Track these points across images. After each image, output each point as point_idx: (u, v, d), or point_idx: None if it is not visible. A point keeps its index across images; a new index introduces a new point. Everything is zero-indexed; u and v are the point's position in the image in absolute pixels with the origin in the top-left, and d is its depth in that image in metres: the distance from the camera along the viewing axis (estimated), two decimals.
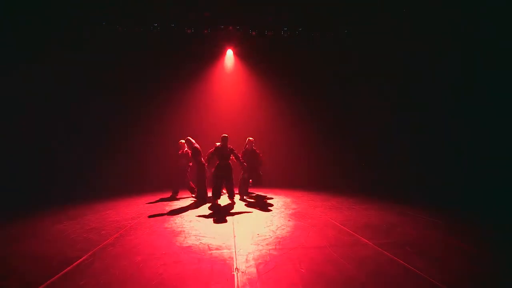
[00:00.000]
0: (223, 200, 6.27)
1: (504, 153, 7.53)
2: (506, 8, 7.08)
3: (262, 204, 5.80)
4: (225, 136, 5.84)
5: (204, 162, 6.02)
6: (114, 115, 8.96)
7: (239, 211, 5.18)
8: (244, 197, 6.41)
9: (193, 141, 6.27)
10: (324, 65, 9.81)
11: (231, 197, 6.03)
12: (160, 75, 9.50)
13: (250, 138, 6.51)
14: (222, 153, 5.76)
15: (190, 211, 5.22)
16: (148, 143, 9.10)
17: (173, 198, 6.63)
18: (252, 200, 6.22)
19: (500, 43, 7.63)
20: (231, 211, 5.15)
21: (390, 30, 8.65)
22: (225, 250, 3.03)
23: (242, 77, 10.05)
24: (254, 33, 9.33)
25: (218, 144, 5.84)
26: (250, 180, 6.44)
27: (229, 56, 9.97)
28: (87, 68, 8.67)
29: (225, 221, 4.40)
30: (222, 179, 5.84)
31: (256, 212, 5.09)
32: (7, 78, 7.71)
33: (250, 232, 3.73)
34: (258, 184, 6.55)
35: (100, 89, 8.88)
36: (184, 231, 3.81)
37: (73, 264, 2.67)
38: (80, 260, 2.79)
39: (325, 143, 9.62)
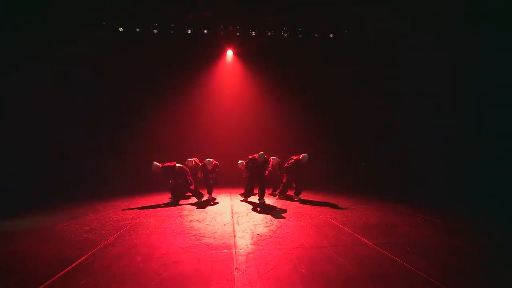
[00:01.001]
0: (222, 200, 6.28)
1: (504, 152, 7.50)
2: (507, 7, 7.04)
3: (263, 204, 5.81)
4: (266, 157, 6.02)
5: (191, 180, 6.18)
6: (114, 115, 8.96)
7: (240, 211, 5.18)
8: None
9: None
10: (324, 65, 9.81)
11: (262, 197, 6.06)
12: (160, 75, 9.51)
13: (305, 154, 6.31)
14: (259, 166, 5.98)
15: (190, 211, 5.22)
16: (149, 143, 9.09)
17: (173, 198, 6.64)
18: (254, 200, 6.23)
19: (500, 43, 7.61)
20: (231, 211, 5.15)
21: (390, 28, 8.64)
22: (225, 250, 3.03)
23: (242, 77, 10.05)
24: (254, 33, 9.33)
25: (253, 156, 5.98)
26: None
27: (229, 56, 9.97)
28: (88, 68, 8.66)
29: (225, 221, 4.41)
30: (255, 183, 6.13)
31: (256, 212, 5.09)
32: (7, 78, 7.70)
33: (250, 232, 3.73)
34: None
35: (101, 90, 8.88)
36: (184, 231, 3.81)
37: (73, 264, 2.67)
38: (80, 260, 2.78)
39: (325, 143, 9.62)
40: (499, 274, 2.48)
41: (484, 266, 2.62)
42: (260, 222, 4.28)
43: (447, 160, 8.36)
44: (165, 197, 6.83)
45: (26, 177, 7.62)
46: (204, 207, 5.59)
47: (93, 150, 8.55)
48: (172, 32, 8.72)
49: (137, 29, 8.76)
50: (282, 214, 4.87)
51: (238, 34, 9.08)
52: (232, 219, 4.50)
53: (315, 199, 6.42)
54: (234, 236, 3.55)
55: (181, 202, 6.08)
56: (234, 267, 2.57)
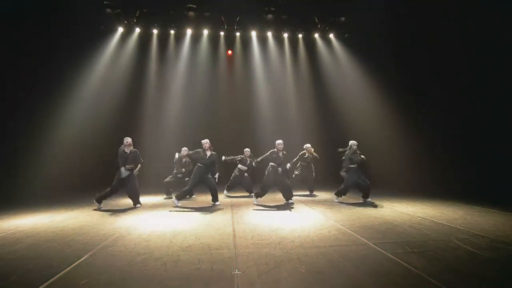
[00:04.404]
0: (222, 200, 6.27)
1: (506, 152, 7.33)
2: None
3: (263, 205, 5.81)
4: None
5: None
6: (113, 115, 8.95)
7: (239, 211, 5.18)
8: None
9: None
10: (325, 66, 9.81)
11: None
12: (160, 75, 9.51)
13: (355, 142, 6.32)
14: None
15: (190, 211, 5.22)
16: (148, 144, 9.09)
17: (169, 198, 6.71)
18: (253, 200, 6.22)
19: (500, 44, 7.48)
20: (231, 211, 5.16)
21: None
22: (225, 250, 3.03)
23: (242, 78, 10.04)
24: (255, 32, 9.33)
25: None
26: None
27: (229, 56, 9.96)
28: (88, 69, 8.66)
29: (225, 221, 4.41)
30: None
31: (256, 212, 5.10)
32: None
33: (250, 232, 3.73)
34: None
35: (102, 90, 8.88)
36: (184, 231, 3.82)
37: (73, 264, 2.67)
38: (80, 260, 2.79)
39: (324, 143, 9.62)
40: (499, 274, 2.48)
41: (484, 266, 2.61)
42: (260, 222, 4.28)
43: (449, 158, 8.17)
44: (164, 197, 6.84)
45: (26, 176, 7.61)
46: (204, 206, 5.59)
47: (93, 150, 8.54)
48: (172, 32, 8.69)
49: (138, 29, 8.77)
50: (282, 214, 4.87)
51: (238, 34, 9.05)
52: (232, 219, 4.51)
53: (315, 199, 6.42)
54: (234, 236, 3.55)
55: (180, 201, 6.07)
56: (234, 267, 2.57)
